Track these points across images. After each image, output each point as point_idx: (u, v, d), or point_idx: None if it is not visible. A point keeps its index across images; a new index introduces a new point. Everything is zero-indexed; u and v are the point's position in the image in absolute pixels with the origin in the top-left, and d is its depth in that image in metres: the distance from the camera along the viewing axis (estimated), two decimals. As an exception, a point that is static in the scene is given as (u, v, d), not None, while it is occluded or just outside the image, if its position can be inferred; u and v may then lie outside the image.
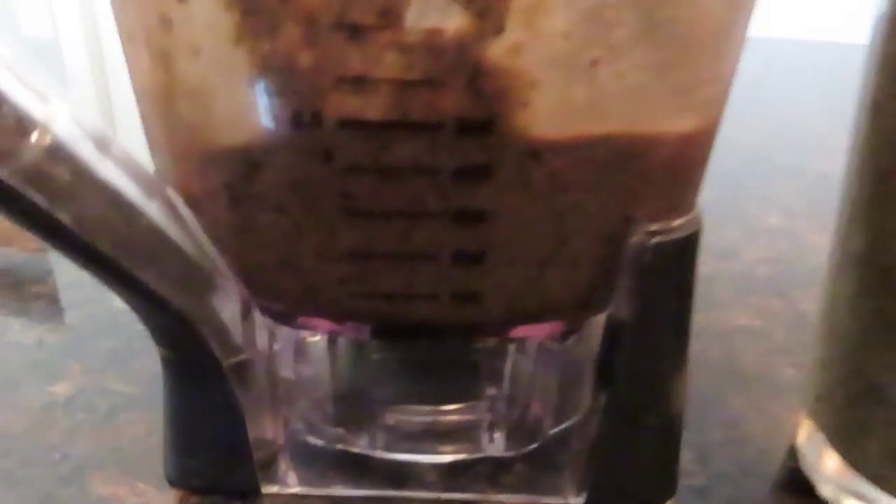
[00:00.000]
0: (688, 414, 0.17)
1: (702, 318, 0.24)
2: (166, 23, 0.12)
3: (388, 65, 0.12)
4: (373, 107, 0.12)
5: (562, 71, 0.12)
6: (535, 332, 0.15)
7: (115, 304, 0.22)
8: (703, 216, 0.14)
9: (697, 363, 0.20)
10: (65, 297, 0.24)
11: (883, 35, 0.14)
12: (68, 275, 0.25)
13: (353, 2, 0.11)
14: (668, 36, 0.12)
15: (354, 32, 0.11)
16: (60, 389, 0.19)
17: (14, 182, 0.11)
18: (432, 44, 0.11)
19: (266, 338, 0.16)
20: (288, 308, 0.15)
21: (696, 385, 0.20)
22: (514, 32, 0.11)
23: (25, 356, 0.21)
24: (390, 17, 0.11)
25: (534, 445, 0.17)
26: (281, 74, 0.12)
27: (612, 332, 0.15)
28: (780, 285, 0.26)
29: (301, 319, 0.15)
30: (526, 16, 0.11)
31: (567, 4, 0.11)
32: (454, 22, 0.11)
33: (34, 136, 0.11)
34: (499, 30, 0.11)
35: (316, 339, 0.16)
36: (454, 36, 0.11)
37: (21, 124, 0.11)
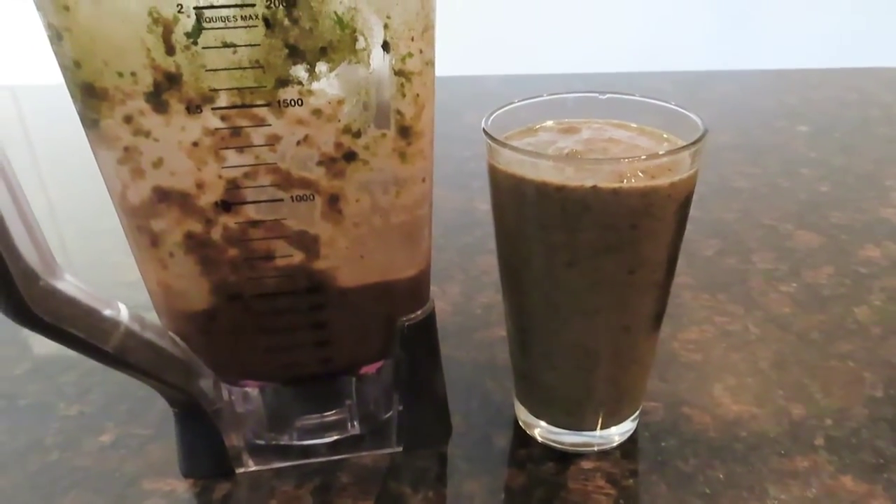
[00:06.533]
0: (460, 393, 0.33)
1: (482, 333, 0.40)
2: (162, 284, 0.26)
3: (271, 274, 0.27)
4: (267, 288, 0.27)
5: (347, 264, 0.27)
6: (363, 370, 0.31)
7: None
8: (433, 304, 0.30)
9: (472, 364, 0.37)
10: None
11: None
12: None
13: (253, 251, 0.26)
14: (394, 240, 0.28)
15: (253, 265, 0.26)
16: (106, 438, 0.33)
17: (111, 351, 0.25)
18: (290, 264, 0.27)
19: (227, 393, 0.31)
20: (235, 377, 0.30)
21: (470, 376, 0.36)
22: (323, 254, 0.27)
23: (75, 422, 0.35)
24: (269, 255, 0.26)
25: (374, 426, 0.32)
26: (223, 285, 0.27)
27: (397, 367, 0.30)
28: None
29: (242, 382, 0.30)
30: (328, 247, 0.27)
31: (344, 234, 0.27)
32: (298, 257, 0.26)
33: (121, 327, 0.25)
34: (317, 256, 0.27)
35: (251, 390, 0.31)
36: (300, 261, 0.27)
37: (109, 321, 0.25)
